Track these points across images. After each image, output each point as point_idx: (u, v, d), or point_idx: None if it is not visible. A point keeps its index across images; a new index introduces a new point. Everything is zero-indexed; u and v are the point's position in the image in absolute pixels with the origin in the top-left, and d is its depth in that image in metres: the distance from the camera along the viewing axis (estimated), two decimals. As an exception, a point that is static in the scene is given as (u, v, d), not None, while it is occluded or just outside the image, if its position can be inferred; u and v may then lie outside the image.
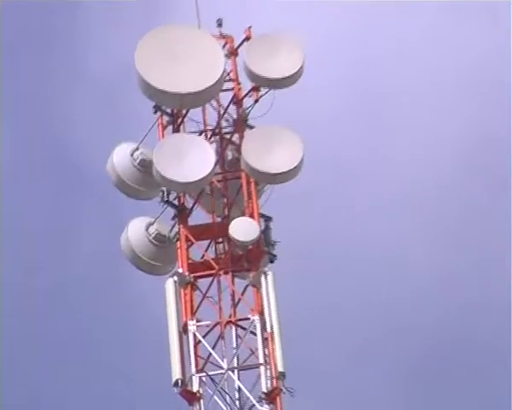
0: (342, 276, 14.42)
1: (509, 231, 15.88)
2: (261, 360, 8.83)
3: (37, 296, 17.98)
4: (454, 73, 19.98)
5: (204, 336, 8.98)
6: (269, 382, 8.78)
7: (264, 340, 8.91)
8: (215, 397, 8.85)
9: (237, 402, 8.98)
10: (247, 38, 9.59)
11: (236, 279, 9.31)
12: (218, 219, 9.38)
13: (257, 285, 8.97)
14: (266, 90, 9.51)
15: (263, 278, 8.97)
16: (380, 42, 19.21)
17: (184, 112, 9.53)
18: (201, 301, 9.11)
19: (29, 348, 17.93)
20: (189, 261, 9.15)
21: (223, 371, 8.81)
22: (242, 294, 9.11)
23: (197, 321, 8.95)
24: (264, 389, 8.67)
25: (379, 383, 16.90)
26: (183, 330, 8.86)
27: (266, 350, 8.88)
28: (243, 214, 9.16)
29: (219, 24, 9.39)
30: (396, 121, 18.71)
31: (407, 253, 17.78)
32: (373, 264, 16.45)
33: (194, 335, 8.91)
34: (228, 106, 9.58)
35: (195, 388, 8.79)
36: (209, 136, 9.69)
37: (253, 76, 9.35)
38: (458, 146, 19.52)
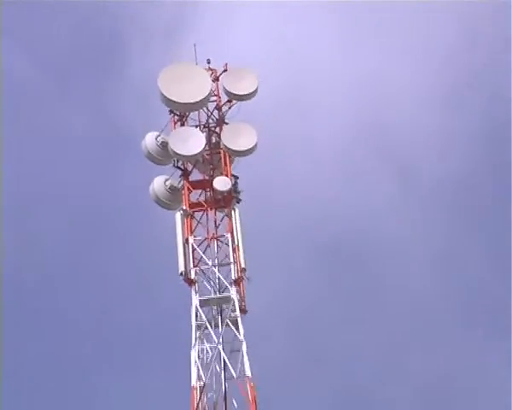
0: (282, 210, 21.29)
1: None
2: (231, 260, 14.79)
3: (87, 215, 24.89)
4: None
5: (198, 246, 14.88)
6: (236, 273, 14.69)
7: (234, 249, 14.83)
8: (204, 282, 14.78)
9: (217, 286, 14.84)
10: (225, 71, 15.50)
11: (218, 213, 15.03)
12: (207, 178, 15.04)
13: (229, 216, 14.84)
14: (236, 102, 15.61)
15: (233, 212, 14.89)
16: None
17: (187, 114, 15.54)
18: (197, 225, 14.77)
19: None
20: (189, 202, 14.78)
21: (208, 266, 14.71)
22: (221, 221, 14.90)
23: (194, 237, 14.87)
24: (233, 277, 14.61)
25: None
26: (186, 241, 14.59)
27: (235, 254, 14.80)
28: (222, 174, 15.05)
29: (208, 62, 15.30)
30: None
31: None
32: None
33: (192, 245, 14.70)
34: (213, 111, 15.39)
35: (193, 276, 14.73)
36: (201, 128, 15.61)
37: (228, 93, 15.28)
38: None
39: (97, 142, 27.67)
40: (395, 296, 27.55)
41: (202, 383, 13.06)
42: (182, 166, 14.92)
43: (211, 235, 14.61)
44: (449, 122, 30.40)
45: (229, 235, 14.51)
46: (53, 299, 27.17)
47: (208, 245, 14.54)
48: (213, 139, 15.16)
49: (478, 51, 31.08)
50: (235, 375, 13.02)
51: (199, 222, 14.72)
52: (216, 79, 15.30)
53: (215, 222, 14.74)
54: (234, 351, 13.46)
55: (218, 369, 13.24)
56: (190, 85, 14.81)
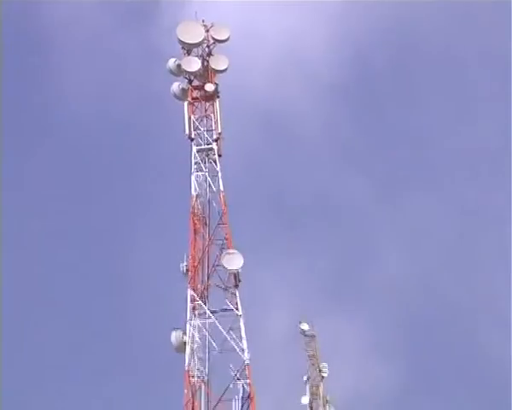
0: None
1: None
2: (213, 128, 27.72)
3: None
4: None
5: (197, 120, 27.67)
6: (216, 134, 27.81)
7: (215, 121, 27.65)
8: (199, 139, 27.94)
9: (206, 141, 28.01)
10: (212, 26, 27.78)
11: (207, 103, 27.97)
12: (201, 84, 27.57)
13: (214, 105, 27.71)
14: (217, 43, 28.19)
15: (215, 103, 27.61)
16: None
17: (191, 49, 28.11)
18: (195, 110, 27.63)
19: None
20: (192, 97, 27.35)
21: (201, 131, 27.74)
22: (208, 107, 27.71)
23: (194, 115, 27.59)
24: (214, 137, 27.68)
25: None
26: (189, 118, 27.24)
27: (215, 125, 27.59)
28: (209, 82, 27.56)
29: (203, 21, 27.72)
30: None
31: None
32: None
33: (193, 120, 27.08)
34: (204, 48, 28.05)
35: (192, 136, 27.72)
36: (199, 57, 28.03)
37: (213, 38, 27.47)
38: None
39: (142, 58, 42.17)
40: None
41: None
42: (188, 77, 27.74)
43: (203, 114, 27.69)
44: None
45: (212, 115, 27.50)
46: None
47: (201, 120, 27.63)
48: (205, 63, 27.94)
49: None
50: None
51: (196, 108, 27.75)
52: (207, 31, 27.96)
53: (205, 109, 27.72)
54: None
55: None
56: (193, 33, 27.49)
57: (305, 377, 35.40)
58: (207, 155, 26.97)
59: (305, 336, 35.31)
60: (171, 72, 27.71)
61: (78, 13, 53.99)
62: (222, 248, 25.50)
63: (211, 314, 24.78)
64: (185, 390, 24.19)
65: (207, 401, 24.22)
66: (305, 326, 35.75)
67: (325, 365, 35.12)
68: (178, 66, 27.57)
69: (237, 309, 24.63)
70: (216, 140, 27.09)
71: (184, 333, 24.65)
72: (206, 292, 25.29)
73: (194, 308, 25.00)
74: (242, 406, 23.89)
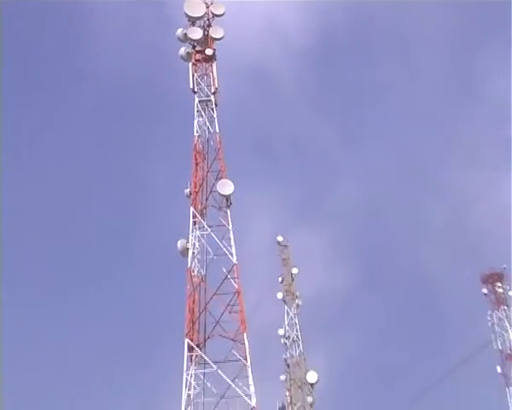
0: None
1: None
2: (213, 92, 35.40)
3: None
4: None
5: (198, 76, 35.23)
6: (214, 87, 35.49)
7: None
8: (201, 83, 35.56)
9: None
10: (212, 3, 35.15)
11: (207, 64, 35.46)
12: (203, 49, 34.86)
13: (212, 64, 35.18)
14: (215, 17, 35.52)
15: (213, 64, 35.19)
16: None
17: (195, 22, 35.34)
18: (197, 70, 35.10)
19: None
20: (195, 58, 34.84)
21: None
22: (207, 68, 35.25)
23: (196, 73, 34.74)
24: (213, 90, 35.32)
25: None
26: (192, 76, 34.75)
27: (212, 68, 35.31)
28: (209, 47, 35.05)
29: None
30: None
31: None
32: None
33: (196, 77, 34.56)
34: (206, 20, 35.29)
35: (195, 88, 35.20)
36: (201, 27, 35.28)
37: (212, 13, 35.09)
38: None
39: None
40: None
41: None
42: (192, 44, 35.01)
43: (204, 73, 35.06)
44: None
45: (211, 74, 34.63)
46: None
47: (202, 77, 34.90)
48: (205, 32, 35.22)
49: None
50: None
51: (198, 67, 35.01)
52: (207, 7, 35.09)
53: (205, 69, 34.79)
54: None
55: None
56: (196, 8, 34.74)
57: (280, 278, 44.21)
58: (207, 105, 33.84)
59: (280, 245, 44.14)
60: (179, 39, 34.84)
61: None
62: (217, 178, 31.58)
63: (208, 228, 30.79)
64: (188, 286, 29.27)
65: (205, 294, 29.51)
66: (280, 238, 44.65)
67: (295, 269, 43.89)
68: (185, 34, 34.70)
69: (228, 224, 30.66)
70: (213, 93, 34.06)
71: (187, 241, 30.56)
72: (204, 211, 31.65)
73: (195, 223, 31.01)
74: (232, 298, 28.59)
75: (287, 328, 40.92)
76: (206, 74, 34.54)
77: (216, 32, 34.86)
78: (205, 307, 29.02)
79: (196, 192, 31.70)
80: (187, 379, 27.79)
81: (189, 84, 34.11)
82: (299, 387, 37.69)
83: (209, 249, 30.21)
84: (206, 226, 30.87)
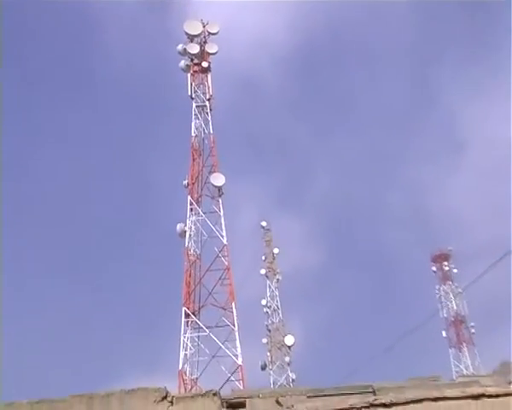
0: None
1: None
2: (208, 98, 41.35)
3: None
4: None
5: (195, 84, 41.29)
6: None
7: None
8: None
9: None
10: (207, 23, 40.56)
11: (203, 75, 41.45)
12: (200, 62, 40.41)
13: (207, 75, 41.20)
14: (211, 35, 41.21)
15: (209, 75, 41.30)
16: None
17: (194, 38, 40.95)
18: (195, 79, 40.80)
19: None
20: (193, 70, 40.11)
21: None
22: (204, 80, 41.07)
23: (195, 82, 41.05)
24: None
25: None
26: (191, 83, 40.89)
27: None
28: (204, 60, 40.98)
29: (201, 20, 40.55)
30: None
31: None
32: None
33: (193, 85, 40.49)
34: (203, 38, 40.78)
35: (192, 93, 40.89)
36: (198, 43, 40.65)
37: (207, 32, 40.62)
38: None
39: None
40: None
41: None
42: (190, 57, 40.35)
43: (200, 82, 40.95)
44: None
45: (206, 83, 39.96)
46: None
47: (199, 86, 40.89)
48: (202, 48, 40.80)
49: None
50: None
51: (196, 77, 40.84)
52: (204, 27, 40.29)
53: (202, 79, 40.70)
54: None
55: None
56: (194, 27, 40.29)
57: (263, 257, 50.51)
58: (202, 109, 38.67)
59: (264, 229, 50.60)
60: (179, 53, 39.91)
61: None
62: (211, 171, 36.02)
63: (202, 214, 35.26)
64: (185, 262, 32.34)
65: (199, 270, 32.57)
66: (264, 223, 51.21)
67: (276, 249, 50.18)
68: (184, 49, 39.69)
69: (220, 211, 35.13)
70: (208, 99, 39.00)
71: (185, 225, 34.66)
72: (200, 199, 36.04)
73: (191, 209, 35.23)
74: (222, 273, 31.68)
75: (268, 299, 46.49)
76: (203, 83, 39.42)
77: (211, 48, 39.83)
78: (199, 281, 32.45)
79: (193, 183, 35.54)
80: (184, 341, 30.99)
81: (187, 92, 39.04)
82: (279, 348, 42.77)
83: (203, 232, 34.06)
84: (201, 212, 34.77)
